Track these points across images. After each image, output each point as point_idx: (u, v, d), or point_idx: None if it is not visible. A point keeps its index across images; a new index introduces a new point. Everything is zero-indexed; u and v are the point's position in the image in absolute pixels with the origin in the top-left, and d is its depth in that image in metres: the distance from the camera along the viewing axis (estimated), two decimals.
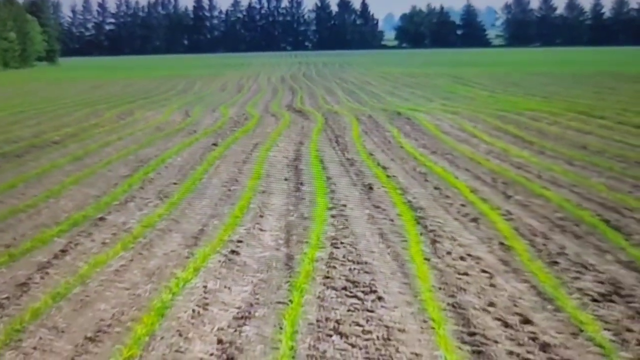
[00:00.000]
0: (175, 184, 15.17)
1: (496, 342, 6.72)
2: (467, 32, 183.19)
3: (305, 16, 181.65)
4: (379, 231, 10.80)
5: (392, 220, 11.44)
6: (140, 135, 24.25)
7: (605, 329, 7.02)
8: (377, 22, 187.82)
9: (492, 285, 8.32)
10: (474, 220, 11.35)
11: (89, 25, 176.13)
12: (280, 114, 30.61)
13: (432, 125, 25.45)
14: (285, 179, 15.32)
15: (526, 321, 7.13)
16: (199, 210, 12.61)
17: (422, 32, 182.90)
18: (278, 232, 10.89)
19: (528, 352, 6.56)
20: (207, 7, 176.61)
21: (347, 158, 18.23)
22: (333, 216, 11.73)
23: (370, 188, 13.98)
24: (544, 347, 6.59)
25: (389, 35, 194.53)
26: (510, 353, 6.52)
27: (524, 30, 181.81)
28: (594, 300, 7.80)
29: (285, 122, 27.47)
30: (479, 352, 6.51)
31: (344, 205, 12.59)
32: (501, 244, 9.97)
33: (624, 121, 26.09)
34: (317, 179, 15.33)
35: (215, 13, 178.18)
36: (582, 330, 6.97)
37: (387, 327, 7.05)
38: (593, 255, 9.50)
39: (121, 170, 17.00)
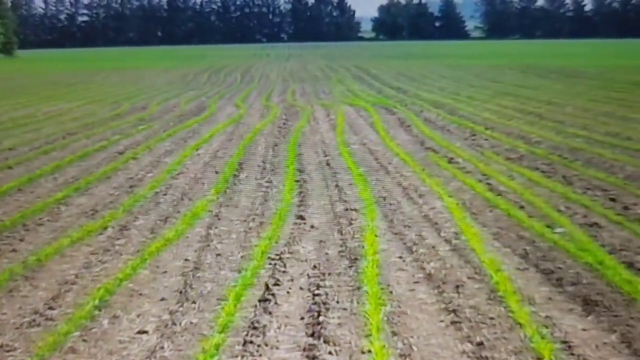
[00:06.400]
0: None
1: None
2: (446, 24, 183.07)
3: (281, 7, 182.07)
4: None
5: None
6: None
7: None
8: (353, 14, 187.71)
9: None
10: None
11: (62, 17, 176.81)
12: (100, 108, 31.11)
13: (210, 114, 27.43)
14: None
15: None
16: None
17: (399, 23, 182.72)
18: None
19: None
20: None
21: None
22: None
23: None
24: None
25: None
26: None
27: (504, 22, 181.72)
28: None
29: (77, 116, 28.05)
30: None
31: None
32: None
33: (414, 116, 26.76)
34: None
35: (190, 4, 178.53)
36: None
37: None
38: None
39: None
